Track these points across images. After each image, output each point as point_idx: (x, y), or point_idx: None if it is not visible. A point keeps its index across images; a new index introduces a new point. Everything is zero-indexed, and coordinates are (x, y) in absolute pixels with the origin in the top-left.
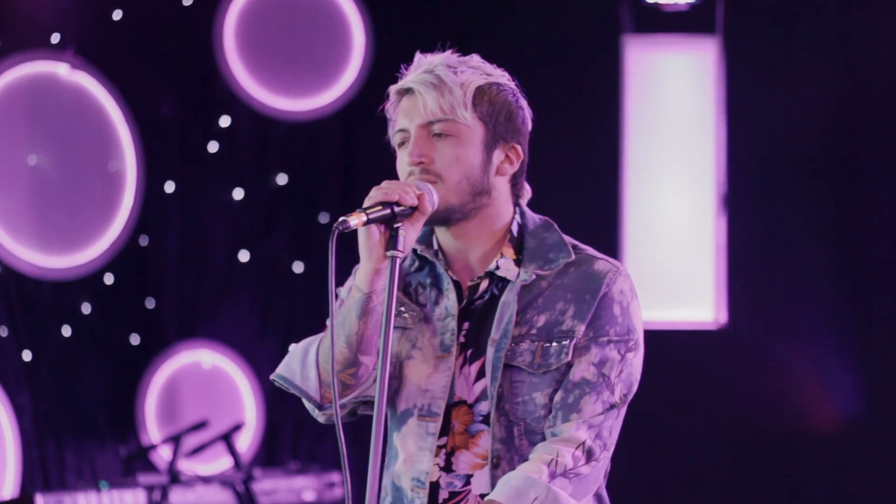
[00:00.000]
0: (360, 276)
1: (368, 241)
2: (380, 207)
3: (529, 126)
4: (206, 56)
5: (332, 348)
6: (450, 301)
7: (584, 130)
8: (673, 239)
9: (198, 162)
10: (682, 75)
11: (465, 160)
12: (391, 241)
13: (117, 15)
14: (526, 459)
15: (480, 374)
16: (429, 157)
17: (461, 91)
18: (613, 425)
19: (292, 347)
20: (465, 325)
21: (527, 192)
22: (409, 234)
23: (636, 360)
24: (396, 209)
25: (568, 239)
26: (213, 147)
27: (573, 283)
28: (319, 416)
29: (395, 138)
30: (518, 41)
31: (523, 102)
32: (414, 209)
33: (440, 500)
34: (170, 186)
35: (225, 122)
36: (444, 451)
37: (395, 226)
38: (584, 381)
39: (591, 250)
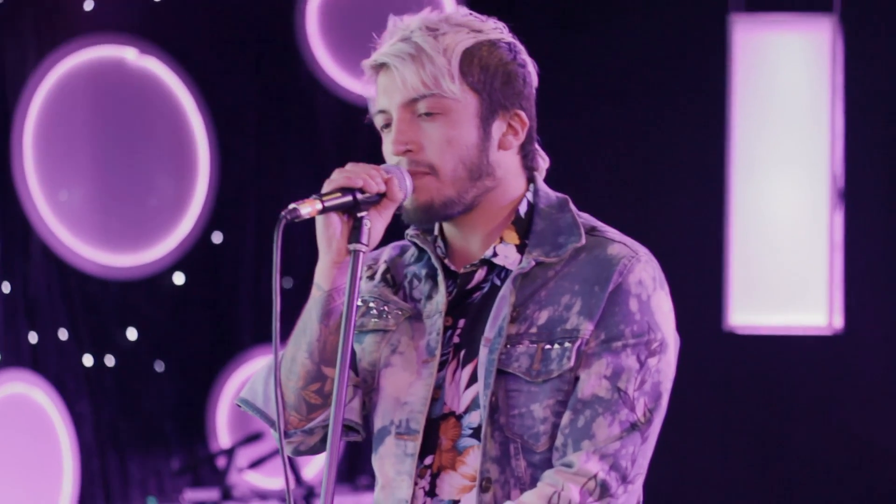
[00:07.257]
0: (319, 270)
1: (327, 231)
2: (339, 194)
3: (535, 84)
4: (286, 39)
5: (275, 359)
6: (441, 295)
7: (687, 118)
8: (784, 237)
9: (277, 153)
10: (795, 58)
11: (458, 142)
12: (354, 233)
13: None
14: (522, 483)
15: (472, 380)
16: (415, 142)
17: (444, 59)
18: (638, 451)
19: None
20: (461, 323)
21: (542, 162)
22: (377, 225)
23: (662, 365)
24: (360, 196)
25: (585, 219)
26: (293, 136)
27: (581, 271)
28: (286, 446)
29: (377, 120)
30: (616, 19)
31: (524, 58)
32: (381, 196)
33: None
34: (247, 179)
35: (307, 109)
36: (429, 471)
37: (359, 215)
38: (596, 399)
39: (611, 232)
